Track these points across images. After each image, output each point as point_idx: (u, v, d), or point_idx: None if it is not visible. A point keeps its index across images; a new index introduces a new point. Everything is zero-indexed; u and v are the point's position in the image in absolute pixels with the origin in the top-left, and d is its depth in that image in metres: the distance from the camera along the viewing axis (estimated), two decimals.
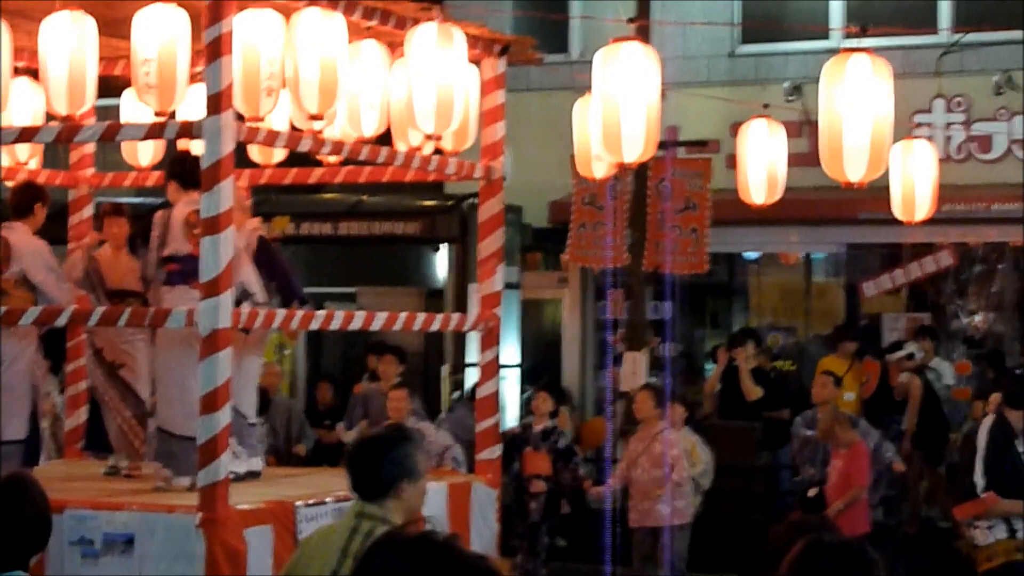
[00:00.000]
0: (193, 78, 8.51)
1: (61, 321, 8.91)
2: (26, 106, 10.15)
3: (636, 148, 8.78)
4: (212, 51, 7.87)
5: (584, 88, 9.80)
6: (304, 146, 8.72)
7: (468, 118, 9.46)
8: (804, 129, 14.71)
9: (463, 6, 11.55)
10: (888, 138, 8.80)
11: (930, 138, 12.47)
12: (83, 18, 8.41)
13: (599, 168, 10.72)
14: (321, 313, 9.24)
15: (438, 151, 9.71)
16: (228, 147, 7.88)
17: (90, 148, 10.86)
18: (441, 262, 18.11)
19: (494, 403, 10.04)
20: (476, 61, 9.63)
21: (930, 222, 11.30)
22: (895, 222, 11.14)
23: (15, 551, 4.57)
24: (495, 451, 10.01)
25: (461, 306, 15.68)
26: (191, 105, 8.90)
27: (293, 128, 9.43)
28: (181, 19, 8.19)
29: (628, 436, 12.69)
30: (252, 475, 9.19)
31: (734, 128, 11.09)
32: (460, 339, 16.40)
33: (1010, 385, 10.41)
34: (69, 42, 8.36)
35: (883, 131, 8.71)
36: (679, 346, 16.77)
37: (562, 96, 10.74)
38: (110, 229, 9.88)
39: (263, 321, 8.50)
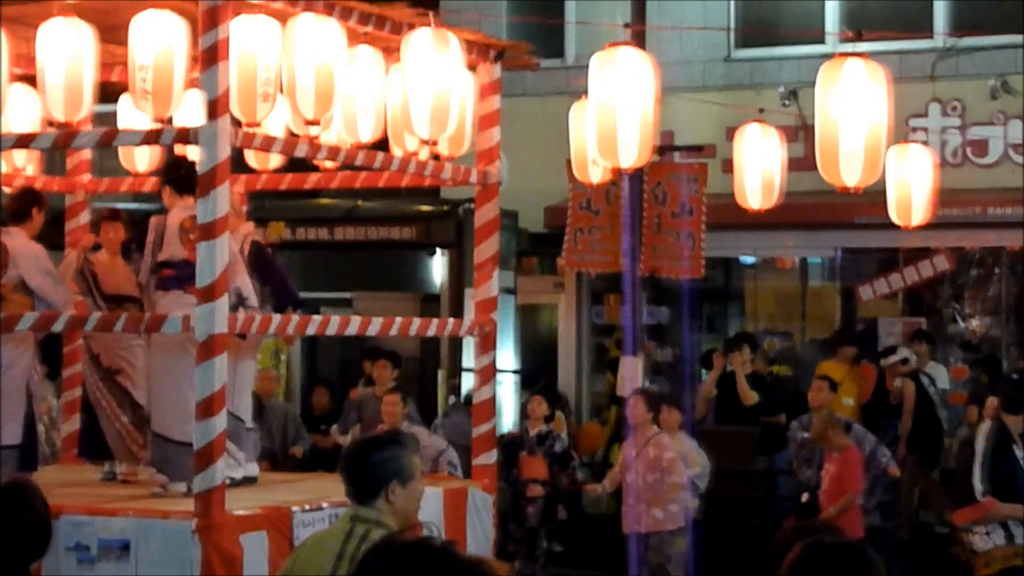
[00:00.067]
0: (189, 84, 8.51)
1: (58, 326, 8.91)
2: (24, 112, 10.15)
3: (632, 153, 8.80)
4: (208, 57, 7.88)
5: (580, 93, 9.81)
6: (300, 151, 8.73)
7: (464, 123, 9.46)
8: (800, 134, 14.72)
9: (457, 11, 11.56)
10: (884, 142, 8.81)
11: (926, 142, 12.48)
12: (81, 24, 8.41)
13: (595, 173, 10.72)
14: (317, 318, 9.25)
15: (435, 156, 9.72)
16: (224, 153, 7.88)
17: (87, 154, 10.87)
18: (437, 267, 18.12)
19: (490, 408, 10.03)
20: (472, 66, 9.63)
21: (927, 226, 11.32)
22: (891, 226, 11.15)
23: (15, 556, 4.56)
24: (491, 456, 10.01)
25: (457, 311, 15.68)
26: (188, 111, 8.90)
27: (290, 133, 9.43)
28: (178, 25, 8.20)
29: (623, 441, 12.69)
30: (248, 480, 9.19)
31: (730, 133, 11.12)
32: (456, 344, 16.40)
33: (1007, 390, 10.41)
34: (67, 48, 8.36)
35: (879, 135, 8.72)
36: (675, 351, 16.77)
37: (558, 101, 10.75)
38: (107, 234, 9.89)
39: (259, 326, 8.50)
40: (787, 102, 15.85)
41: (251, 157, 10.24)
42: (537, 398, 12.90)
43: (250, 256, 9.21)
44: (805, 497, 12.01)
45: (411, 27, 8.81)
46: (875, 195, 10.38)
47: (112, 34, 8.62)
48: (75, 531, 7.91)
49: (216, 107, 7.84)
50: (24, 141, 9.16)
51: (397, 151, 9.66)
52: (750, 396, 14.43)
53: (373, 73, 9.28)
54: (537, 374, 16.74)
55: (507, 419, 16.18)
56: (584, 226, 15.08)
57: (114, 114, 10.60)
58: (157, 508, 8.20)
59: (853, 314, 16.99)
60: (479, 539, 9.57)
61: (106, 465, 9.74)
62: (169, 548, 7.77)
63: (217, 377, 7.80)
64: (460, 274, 16.41)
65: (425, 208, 17.14)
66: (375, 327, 9.40)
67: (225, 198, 7.89)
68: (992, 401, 10.59)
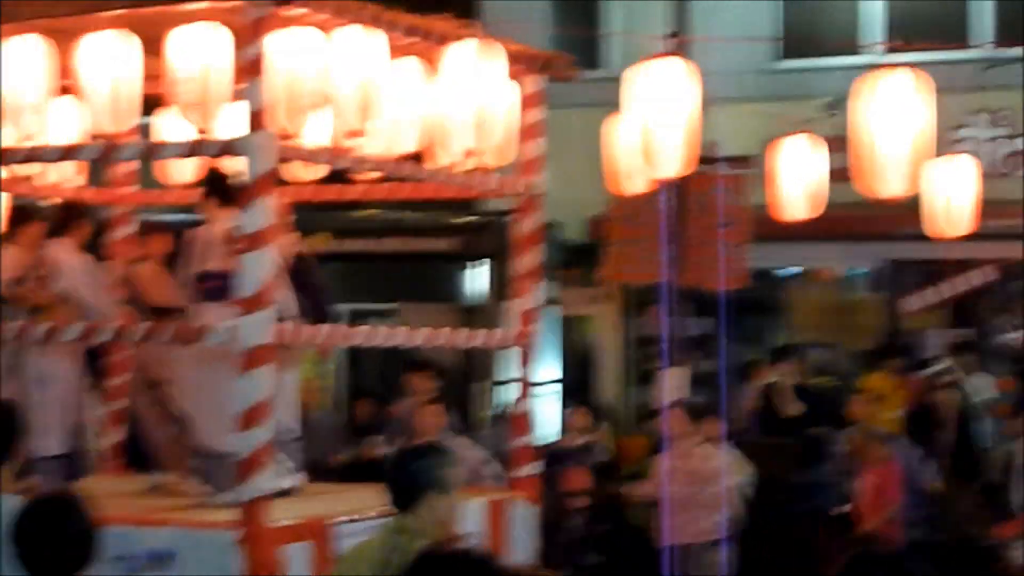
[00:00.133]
0: (232, 95, 8.53)
1: (104, 338, 8.93)
2: (69, 124, 10.19)
3: (675, 163, 8.77)
4: (252, 68, 7.90)
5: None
6: (344, 163, 8.73)
7: (510, 134, 9.46)
8: (844, 144, 14.64)
9: (498, 23, 11.56)
10: (929, 153, 8.77)
11: (972, 152, 12.40)
12: (127, 36, 8.45)
13: (634, 184, 10.70)
14: (362, 329, 9.26)
15: (478, 168, 9.72)
16: (268, 164, 7.91)
17: (131, 166, 10.91)
18: (480, 278, 18.13)
19: (530, 419, 10.02)
20: (515, 77, 9.64)
21: (971, 237, 11.25)
22: (935, 238, 11.08)
23: (58, 568, 4.54)
24: (534, 467, 10.00)
25: (499, 322, 15.69)
26: (231, 122, 8.93)
27: (333, 145, 9.45)
28: (223, 36, 8.22)
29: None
30: (292, 491, 9.21)
31: (774, 143, 11.07)
32: (498, 355, 16.40)
33: None
34: (113, 60, 8.39)
35: (924, 146, 8.68)
36: (718, 362, 16.70)
37: (601, 112, 10.72)
38: (152, 246, 9.93)
39: (304, 338, 8.51)
40: (833, 112, 15.78)
41: (296, 168, 10.26)
42: (579, 409, 12.90)
43: (291, 268, 9.23)
44: (839, 510, 11.96)
45: (456, 38, 8.82)
46: (918, 207, 10.32)
47: (153, 45, 8.65)
48: (119, 542, 7.90)
49: (259, 119, 7.87)
50: (69, 153, 9.20)
51: (441, 162, 9.67)
52: (793, 408, 14.38)
53: (417, 84, 9.29)
54: (580, 385, 16.74)
55: (551, 430, 16.17)
56: (627, 237, 15.05)
57: (149, 126, 10.62)
58: (200, 519, 8.23)
59: (897, 326, 16.91)
60: (521, 550, 9.56)
61: (151, 476, 9.78)
62: (212, 559, 7.78)
63: (260, 388, 7.81)
64: (502, 286, 16.42)
65: (468, 219, 17.16)
66: (419, 338, 9.40)
67: (269, 210, 7.92)
68: None
